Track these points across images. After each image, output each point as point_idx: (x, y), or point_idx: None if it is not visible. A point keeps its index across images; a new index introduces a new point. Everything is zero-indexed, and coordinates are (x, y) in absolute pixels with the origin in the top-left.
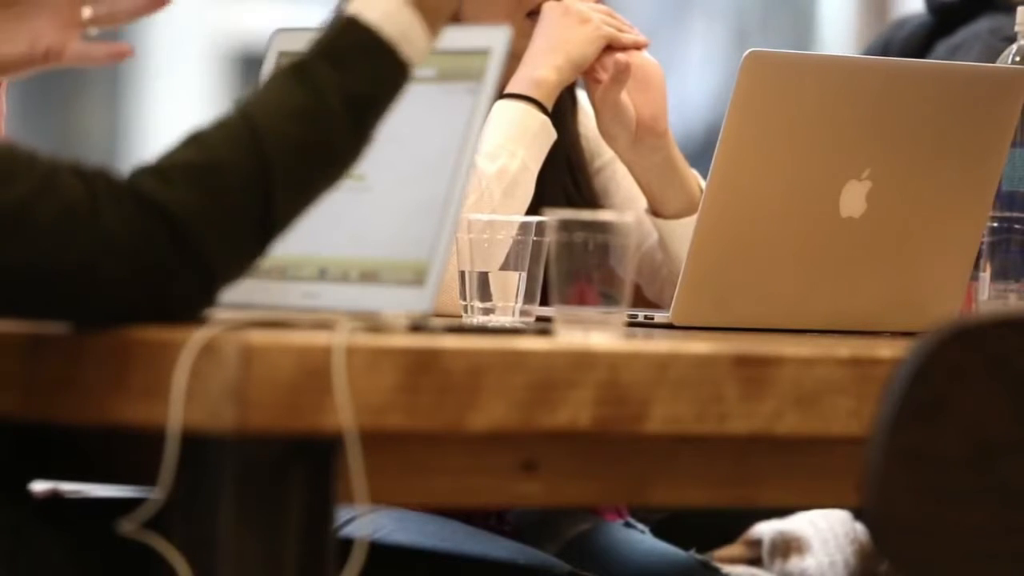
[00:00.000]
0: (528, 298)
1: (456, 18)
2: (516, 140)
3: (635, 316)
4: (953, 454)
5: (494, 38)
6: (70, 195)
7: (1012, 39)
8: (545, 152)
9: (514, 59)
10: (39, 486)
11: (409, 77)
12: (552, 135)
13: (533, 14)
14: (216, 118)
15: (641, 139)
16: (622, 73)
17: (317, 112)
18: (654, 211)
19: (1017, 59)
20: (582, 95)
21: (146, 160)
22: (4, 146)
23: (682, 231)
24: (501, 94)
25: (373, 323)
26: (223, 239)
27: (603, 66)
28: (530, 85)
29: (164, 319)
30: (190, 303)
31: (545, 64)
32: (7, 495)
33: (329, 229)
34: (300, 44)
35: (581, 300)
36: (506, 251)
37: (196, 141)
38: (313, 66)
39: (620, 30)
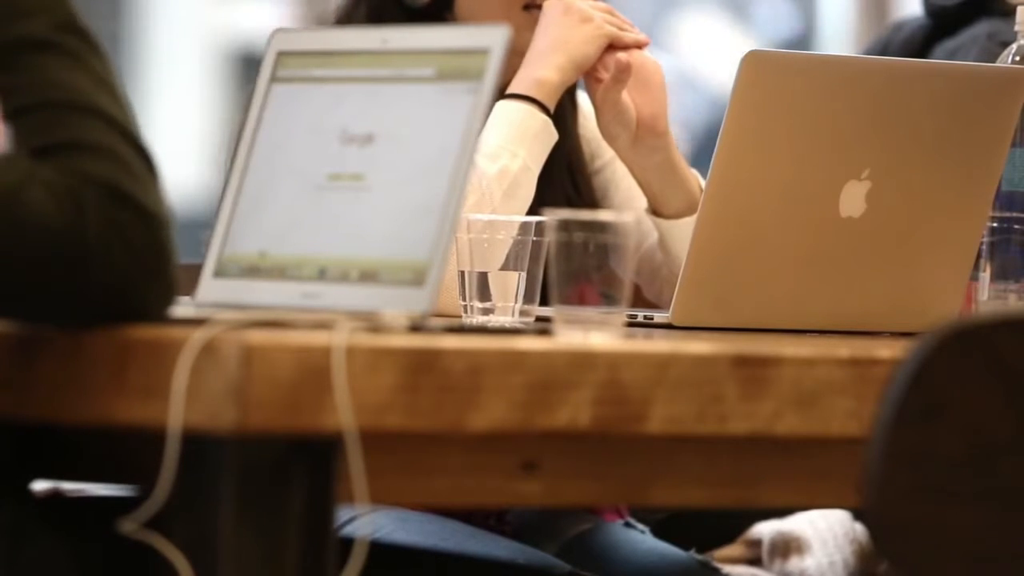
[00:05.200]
0: (528, 298)
1: (451, 13)
2: (517, 141)
3: (635, 316)
4: (953, 454)
5: (493, 38)
6: (54, 190)
7: (1009, 43)
8: (547, 153)
9: (512, 55)
10: (40, 486)
11: None
12: (554, 136)
13: (530, 7)
14: (27, 133)
15: (641, 139)
16: (623, 73)
17: (64, 55)
18: (654, 210)
19: (1017, 59)
20: (581, 96)
21: (70, 160)
22: None
23: (682, 231)
24: (502, 93)
25: (373, 323)
26: (144, 186)
27: (604, 65)
28: (532, 85)
29: (166, 285)
30: (174, 253)
31: (547, 64)
32: (8, 495)
33: (328, 229)
34: (298, 44)
35: (581, 300)
36: (506, 251)
37: (53, 149)
38: (23, 34)
39: (621, 28)
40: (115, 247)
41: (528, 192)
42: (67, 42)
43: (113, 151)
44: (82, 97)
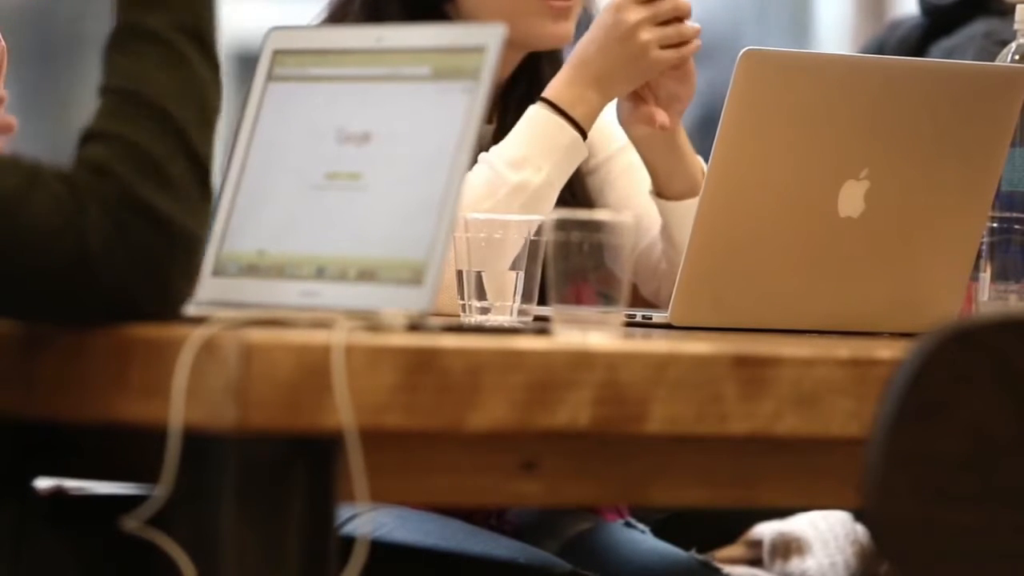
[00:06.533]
0: (526, 297)
1: (452, 4)
2: (544, 154)
3: (633, 316)
4: (953, 455)
5: (489, 36)
6: (56, 192)
7: (1006, 43)
8: (572, 169)
9: (513, 47)
10: (43, 483)
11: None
12: (583, 154)
13: None
14: (93, 113)
15: (655, 131)
16: (662, 127)
17: (170, 55)
18: (658, 192)
19: (1016, 58)
20: None
21: (85, 155)
22: None
23: (683, 212)
24: (499, 88)
25: (372, 322)
26: (181, 201)
27: (652, 90)
28: (572, 102)
29: (166, 295)
30: (184, 269)
31: (593, 84)
32: (11, 492)
33: (327, 228)
34: (294, 42)
35: (578, 300)
36: (515, 253)
37: (97, 136)
38: (141, 23)
39: (680, 38)
40: (116, 249)
41: (547, 207)
42: (179, 44)
43: (148, 154)
44: (154, 95)
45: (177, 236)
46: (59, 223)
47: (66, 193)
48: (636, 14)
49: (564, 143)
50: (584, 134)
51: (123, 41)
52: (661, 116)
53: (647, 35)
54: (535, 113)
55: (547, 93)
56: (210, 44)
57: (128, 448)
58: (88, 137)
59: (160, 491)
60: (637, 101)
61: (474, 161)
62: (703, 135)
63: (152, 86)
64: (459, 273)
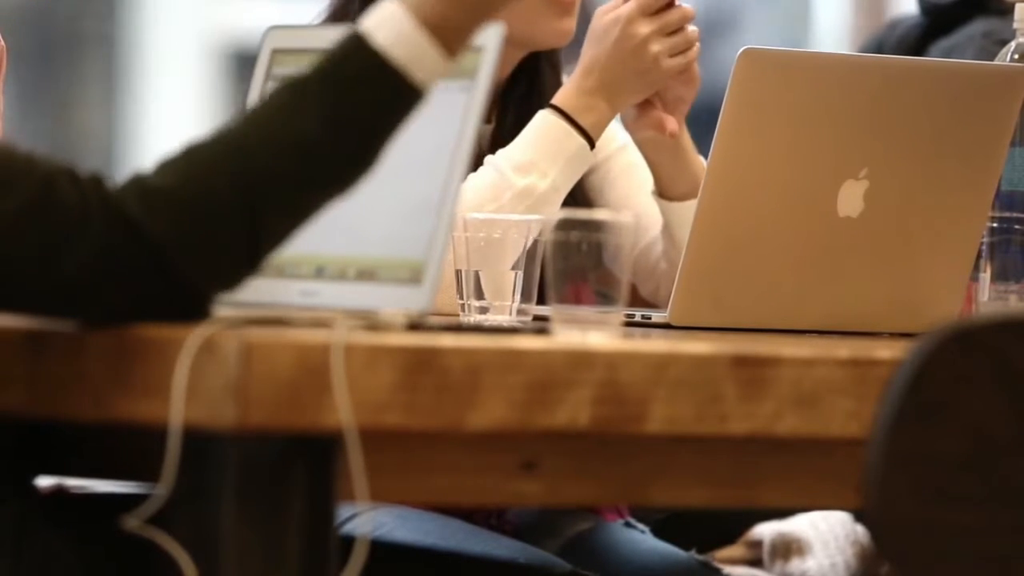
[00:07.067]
0: (525, 297)
1: None
2: (550, 160)
3: (632, 316)
4: (953, 455)
5: (487, 36)
6: (63, 207)
7: (1005, 42)
8: (578, 176)
9: (514, 46)
10: (44, 482)
11: (420, 101)
12: (588, 160)
13: None
14: (214, 133)
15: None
16: (671, 135)
17: (315, 142)
18: (660, 192)
19: (1016, 57)
20: None
21: (140, 169)
22: (2, 152)
23: (686, 213)
24: (497, 88)
25: (371, 321)
26: (207, 268)
27: (659, 95)
28: (580, 109)
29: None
30: (177, 319)
31: (603, 94)
32: (12, 490)
33: (326, 227)
34: (293, 41)
35: (576, 299)
36: (515, 252)
37: (188, 163)
38: (315, 90)
39: (688, 43)
40: (109, 274)
41: (552, 212)
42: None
43: (205, 214)
44: (271, 175)
45: (181, 288)
46: (58, 248)
47: (75, 209)
48: (646, 27)
49: (571, 150)
50: (592, 143)
51: (293, 99)
52: (671, 124)
53: (657, 47)
54: (543, 119)
55: (556, 100)
56: (370, 145)
57: (128, 447)
58: (190, 153)
59: (160, 490)
60: (644, 106)
61: (476, 162)
62: (694, 126)
63: (268, 169)
64: (458, 273)
